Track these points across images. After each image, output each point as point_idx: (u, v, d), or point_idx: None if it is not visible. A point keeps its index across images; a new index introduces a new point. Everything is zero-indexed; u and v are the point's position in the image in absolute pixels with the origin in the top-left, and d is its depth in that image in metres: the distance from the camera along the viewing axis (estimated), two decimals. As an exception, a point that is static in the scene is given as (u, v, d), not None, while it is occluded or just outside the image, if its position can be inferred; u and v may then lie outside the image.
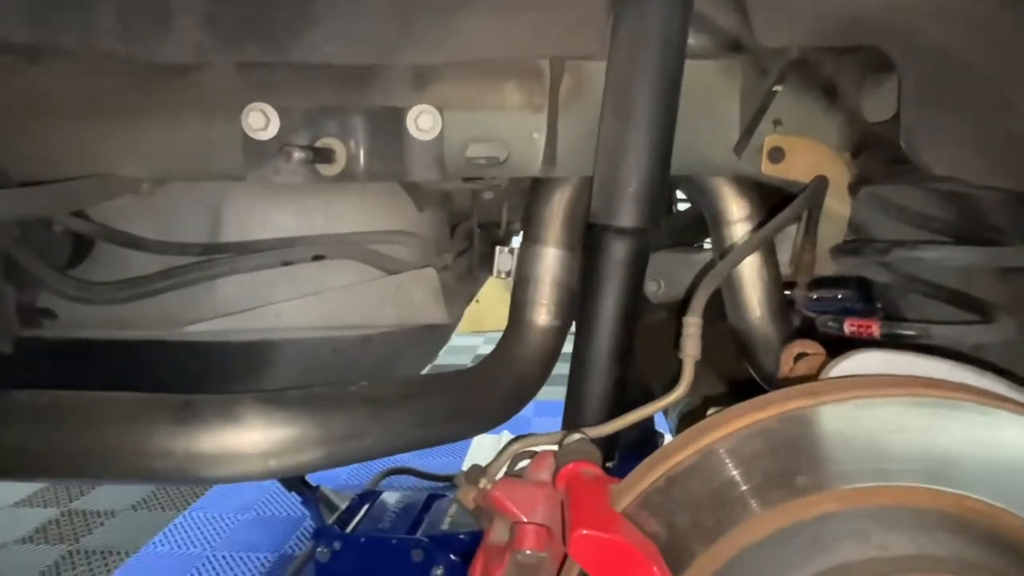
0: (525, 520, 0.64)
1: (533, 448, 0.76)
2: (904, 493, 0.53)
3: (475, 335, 5.15)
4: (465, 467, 2.52)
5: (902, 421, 0.54)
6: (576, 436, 0.69)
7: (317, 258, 0.95)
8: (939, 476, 0.53)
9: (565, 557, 0.59)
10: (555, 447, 0.76)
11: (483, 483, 0.72)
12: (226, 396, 0.82)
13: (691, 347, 0.77)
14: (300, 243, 0.95)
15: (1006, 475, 0.53)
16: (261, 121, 0.85)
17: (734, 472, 0.55)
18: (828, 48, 0.87)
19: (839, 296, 1.14)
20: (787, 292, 1.09)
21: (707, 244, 1.43)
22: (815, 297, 1.11)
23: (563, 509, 0.60)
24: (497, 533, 0.71)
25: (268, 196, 0.98)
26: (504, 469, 0.77)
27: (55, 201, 0.76)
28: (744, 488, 0.54)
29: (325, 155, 0.86)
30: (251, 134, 0.85)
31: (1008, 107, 0.72)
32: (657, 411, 0.76)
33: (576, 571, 0.57)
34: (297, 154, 0.80)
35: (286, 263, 0.93)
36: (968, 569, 0.50)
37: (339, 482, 2.50)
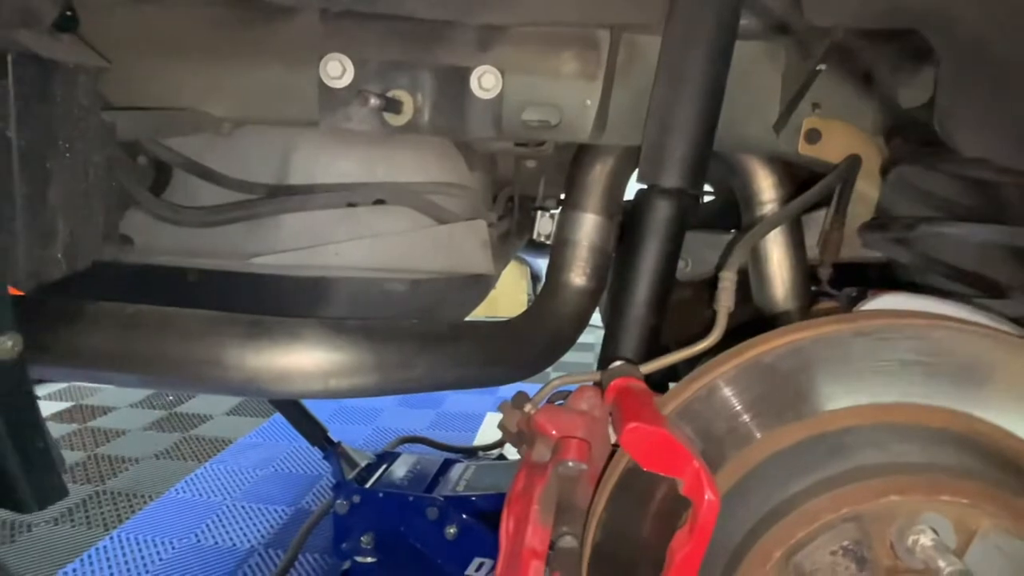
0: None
1: (573, 382, 0.83)
2: (921, 412, 0.59)
3: (491, 319, 5.22)
4: (476, 443, 2.59)
5: (923, 347, 0.60)
6: (620, 362, 0.76)
7: (378, 202, 1.02)
8: (951, 398, 0.59)
9: (613, 451, 0.65)
10: (590, 383, 0.82)
11: (528, 408, 0.79)
12: (293, 319, 0.89)
13: (725, 299, 0.83)
14: (362, 189, 1.02)
15: (1013, 402, 0.59)
16: (338, 70, 0.92)
17: (769, 385, 0.61)
18: (867, 35, 0.93)
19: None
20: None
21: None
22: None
23: (613, 416, 0.66)
24: (538, 454, 0.77)
25: (333, 144, 1.04)
26: (545, 400, 0.83)
27: (161, 125, 0.84)
28: (778, 400, 0.61)
29: (394, 106, 0.93)
30: (327, 82, 0.92)
31: (1039, 95, 0.77)
32: (691, 356, 0.82)
33: (623, 465, 0.63)
34: (373, 100, 0.87)
35: (351, 204, 1.00)
36: (969, 476, 0.56)
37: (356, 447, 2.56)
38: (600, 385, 0.79)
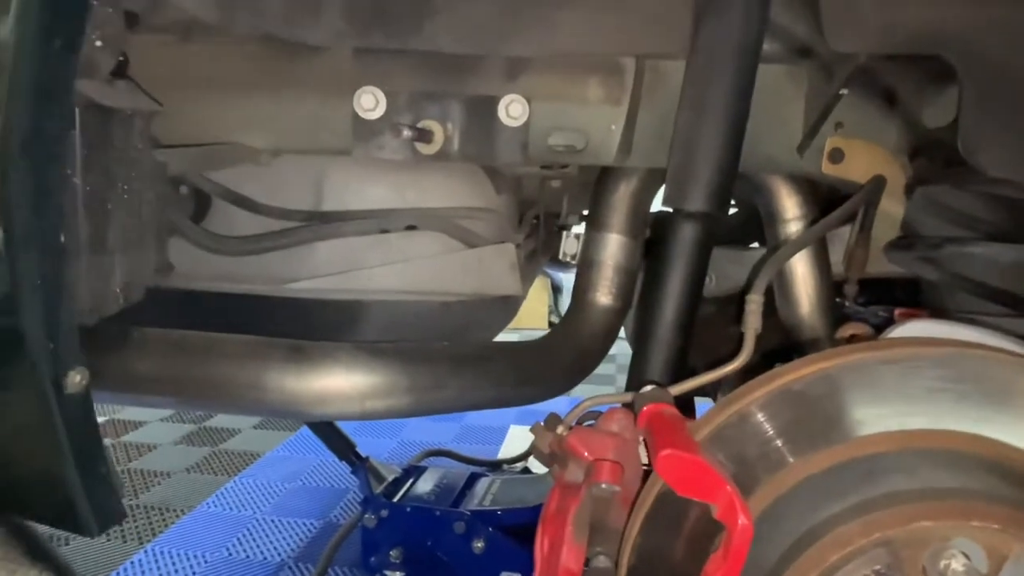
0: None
1: (602, 403, 0.85)
2: (950, 438, 0.60)
3: (512, 331, 5.24)
4: (500, 455, 2.61)
5: (949, 373, 0.61)
6: (651, 387, 0.78)
7: (409, 228, 1.05)
8: (980, 424, 0.60)
9: (646, 476, 0.67)
10: (619, 405, 0.84)
11: (560, 430, 0.81)
12: (330, 343, 0.92)
13: (753, 321, 0.84)
14: (393, 215, 1.05)
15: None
16: (371, 102, 0.95)
17: (800, 412, 0.63)
18: (890, 57, 0.94)
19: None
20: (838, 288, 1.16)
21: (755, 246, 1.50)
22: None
23: (647, 442, 0.68)
24: (571, 475, 0.79)
25: (364, 171, 1.08)
26: (575, 421, 0.85)
27: (207, 160, 0.88)
28: (809, 426, 0.62)
29: (425, 136, 0.96)
30: (361, 114, 0.96)
31: (1060, 116, 0.78)
32: (718, 377, 0.83)
33: (656, 490, 0.65)
34: (406, 132, 0.90)
35: (383, 231, 1.04)
36: (999, 501, 0.57)
37: (382, 460, 2.60)
38: (631, 407, 0.81)
